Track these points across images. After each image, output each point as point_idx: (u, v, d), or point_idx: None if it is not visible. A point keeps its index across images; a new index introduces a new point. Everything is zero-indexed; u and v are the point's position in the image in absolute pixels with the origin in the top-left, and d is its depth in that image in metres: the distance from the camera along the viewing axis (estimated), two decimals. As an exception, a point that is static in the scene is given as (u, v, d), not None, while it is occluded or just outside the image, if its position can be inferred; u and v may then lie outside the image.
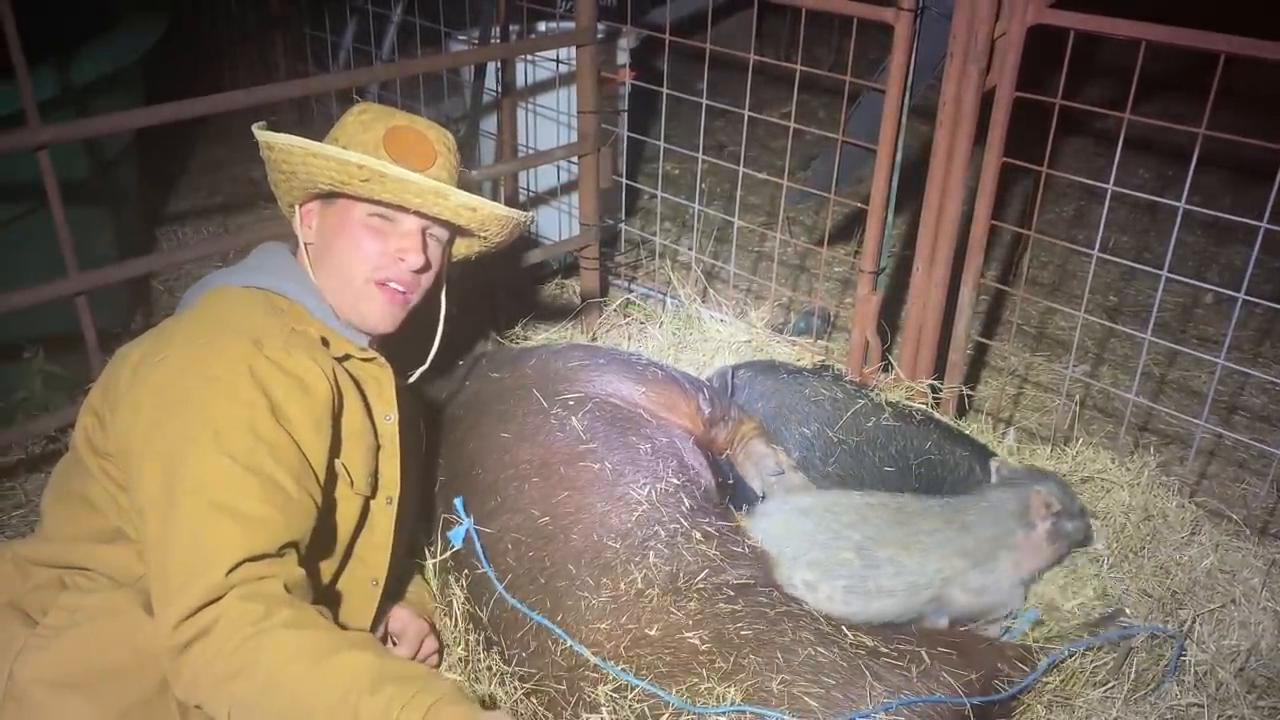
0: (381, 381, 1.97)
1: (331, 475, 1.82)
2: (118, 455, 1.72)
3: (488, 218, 2.00)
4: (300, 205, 2.01)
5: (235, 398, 1.67)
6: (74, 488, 1.79)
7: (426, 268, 2.00)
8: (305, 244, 2.00)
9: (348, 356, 1.92)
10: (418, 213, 1.95)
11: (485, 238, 2.10)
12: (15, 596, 1.72)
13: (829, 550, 2.11)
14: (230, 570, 1.56)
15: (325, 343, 1.87)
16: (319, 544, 1.81)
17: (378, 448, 1.94)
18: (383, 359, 1.98)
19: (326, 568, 1.88)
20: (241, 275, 1.94)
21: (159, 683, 1.65)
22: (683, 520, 2.07)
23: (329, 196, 1.96)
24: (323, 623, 1.62)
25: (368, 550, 1.95)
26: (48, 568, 1.76)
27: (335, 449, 1.82)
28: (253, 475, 1.64)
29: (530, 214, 2.17)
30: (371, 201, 1.92)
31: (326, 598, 1.89)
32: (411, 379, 2.16)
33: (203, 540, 1.58)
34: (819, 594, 2.06)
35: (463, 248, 2.15)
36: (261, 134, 1.89)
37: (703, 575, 1.96)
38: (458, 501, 2.13)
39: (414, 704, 1.51)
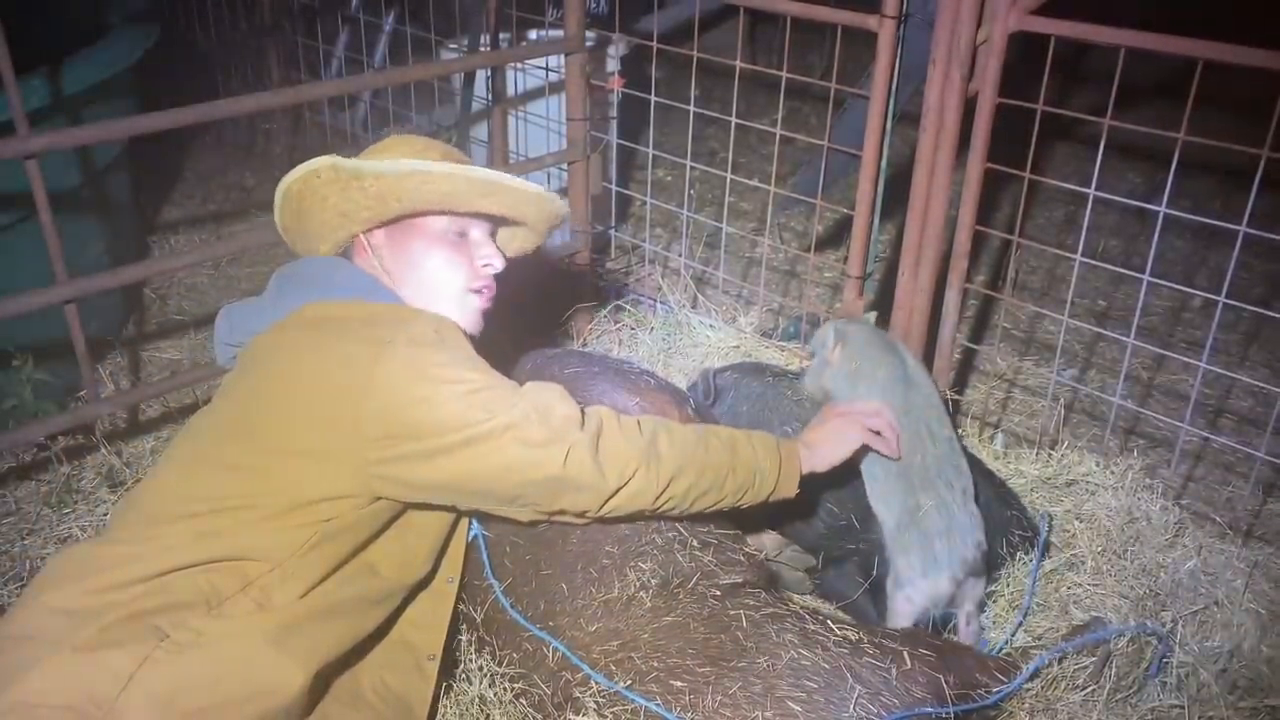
0: None
1: None
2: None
3: (559, 213, 2.12)
4: (361, 236, 1.97)
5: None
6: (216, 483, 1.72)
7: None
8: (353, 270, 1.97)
9: None
10: (487, 216, 2.02)
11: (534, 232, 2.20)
12: (153, 607, 1.63)
13: None
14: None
15: None
16: (424, 543, 1.87)
17: None
18: None
19: (423, 567, 1.92)
20: (332, 291, 1.90)
21: (256, 717, 1.60)
22: (680, 529, 2.09)
23: (397, 220, 1.96)
24: None
25: (452, 546, 2.01)
26: (188, 570, 1.67)
27: None
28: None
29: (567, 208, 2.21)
30: (452, 214, 1.97)
31: (413, 598, 1.93)
32: None
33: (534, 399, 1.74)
34: None
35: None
36: (382, 165, 1.87)
37: (695, 580, 1.98)
38: None
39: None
